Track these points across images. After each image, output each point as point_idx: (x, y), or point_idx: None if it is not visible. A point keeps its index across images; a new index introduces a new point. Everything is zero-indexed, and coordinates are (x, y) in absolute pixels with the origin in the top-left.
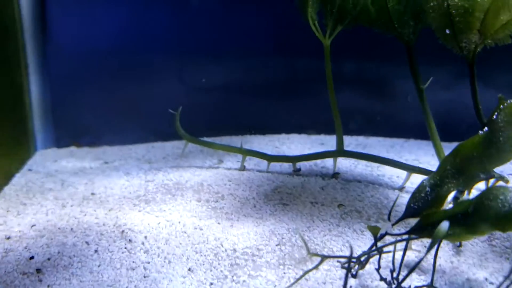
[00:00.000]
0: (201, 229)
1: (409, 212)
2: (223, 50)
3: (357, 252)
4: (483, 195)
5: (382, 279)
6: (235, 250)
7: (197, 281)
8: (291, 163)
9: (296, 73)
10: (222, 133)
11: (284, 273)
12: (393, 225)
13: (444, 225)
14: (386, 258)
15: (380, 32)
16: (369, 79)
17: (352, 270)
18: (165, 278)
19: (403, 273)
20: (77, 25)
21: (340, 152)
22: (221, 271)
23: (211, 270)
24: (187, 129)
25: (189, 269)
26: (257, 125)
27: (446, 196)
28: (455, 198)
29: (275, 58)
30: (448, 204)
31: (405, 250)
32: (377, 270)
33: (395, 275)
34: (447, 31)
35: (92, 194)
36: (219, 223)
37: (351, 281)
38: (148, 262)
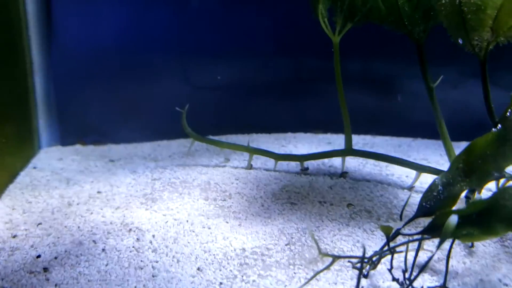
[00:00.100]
0: (209, 228)
1: (421, 211)
2: (228, 49)
3: (367, 252)
4: (498, 194)
5: (394, 279)
6: (244, 250)
7: (207, 280)
8: (298, 162)
9: (302, 72)
10: (227, 132)
11: (295, 273)
12: (405, 224)
13: (453, 219)
14: (397, 258)
15: (390, 30)
16: (376, 78)
17: (364, 270)
18: (174, 278)
19: (416, 273)
20: (83, 23)
21: (349, 151)
22: (231, 270)
23: (220, 270)
24: (193, 128)
25: (198, 269)
26: (263, 124)
27: (459, 195)
28: (466, 198)
29: (282, 57)
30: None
31: (417, 250)
32: (390, 270)
33: (407, 275)
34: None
35: (98, 192)
36: (227, 222)
37: (362, 282)
38: (157, 261)
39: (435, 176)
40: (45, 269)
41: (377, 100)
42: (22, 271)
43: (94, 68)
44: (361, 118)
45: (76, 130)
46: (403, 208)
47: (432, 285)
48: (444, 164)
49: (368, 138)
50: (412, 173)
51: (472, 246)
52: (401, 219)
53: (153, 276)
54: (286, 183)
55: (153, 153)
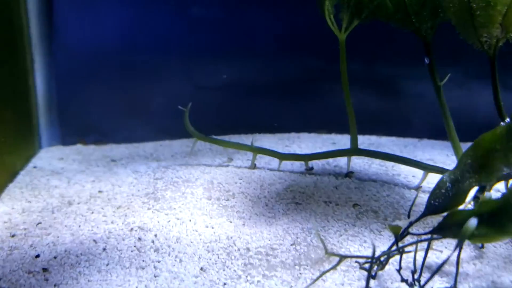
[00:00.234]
0: (212, 228)
1: (430, 209)
2: (231, 49)
3: (375, 253)
4: (510, 193)
5: (403, 280)
6: (248, 249)
7: (210, 281)
8: (303, 162)
9: (306, 72)
10: (230, 132)
11: (300, 273)
12: (413, 223)
13: (472, 222)
14: (405, 259)
15: (397, 27)
16: (381, 78)
17: (371, 271)
18: (176, 278)
19: (425, 274)
20: (85, 21)
21: (355, 150)
22: (235, 270)
23: (224, 270)
24: (195, 128)
25: (201, 269)
26: (266, 124)
27: (468, 192)
28: (475, 198)
29: (285, 57)
30: (467, 205)
31: (427, 250)
32: (398, 271)
33: (416, 276)
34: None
35: (100, 191)
36: (230, 222)
37: (370, 282)
38: (159, 261)
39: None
40: (44, 269)
41: (383, 100)
42: (21, 271)
43: (96, 67)
44: (367, 118)
45: (77, 130)
46: (411, 207)
47: (442, 286)
48: (450, 165)
49: (373, 138)
50: (419, 173)
51: (483, 247)
52: (409, 217)
53: (155, 276)
54: (291, 182)
55: (155, 152)
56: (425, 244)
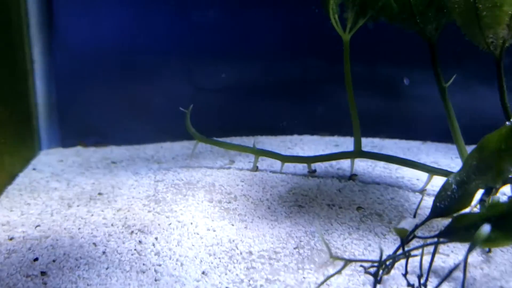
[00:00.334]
0: (214, 231)
1: (436, 211)
2: (233, 51)
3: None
4: None
5: (409, 285)
6: (250, 253)
7: (212, 285)
8: (305, 164)
9: (308, 74)
10: (232, 134)
11: (304, 277)
12: (419, 226)
13: (485, 229)
14: (411, 263)
15: (401, 28)
16: (385, 80)
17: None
18: (177, 282)
19: (431, 279)
20: (85, 22)
21: (358, 152)
22: (237, 274)
23: (226, 274)
24: (197, 130)
25: (203, 272)
26: (268, 126)
27: (474, 194)
28: (482, 201)
29: (288, 59)
30: (473, 208)
31: (433, 254)
32: (404, 275)
33: (422, 281)
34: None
35: (99, 194)
36: (232, 225)
37: (376, 287)
38: (159, 265)
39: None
40: (43, 273)
41: (386, 102)
42: (19, 275)
43: (96, 68)
44: (370, 121)
45: (77, 132)
46: (416, 210)
47: None
48: (455, 168)
49: (376, 141)
50: (423, 176)
51: (490, 251)
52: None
53: (155, 280)
54: (293, 185)
55: (156, 154)
56: (430, 248)
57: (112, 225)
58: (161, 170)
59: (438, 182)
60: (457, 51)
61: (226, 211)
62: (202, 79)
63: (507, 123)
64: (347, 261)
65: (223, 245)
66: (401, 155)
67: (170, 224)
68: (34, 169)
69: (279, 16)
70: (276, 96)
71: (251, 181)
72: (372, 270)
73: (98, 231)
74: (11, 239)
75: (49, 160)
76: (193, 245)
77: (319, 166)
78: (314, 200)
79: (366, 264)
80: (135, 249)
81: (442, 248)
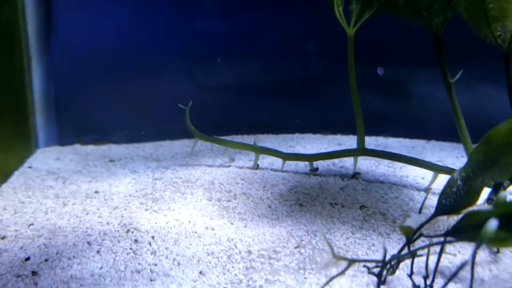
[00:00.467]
0: (212, 229)
1: (441, 209)
2: (234, 49)
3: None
4: None
5: (415, 286)
6: (250, 252)
7: (209, 285)
8: (307, 162)
9: (310, 72)
10: (233, 133)
11: (305, 278)
12: (423, 224)
13: (492, 224)
14: (416, 263)
15: (406, 21)
16: (389, 79)
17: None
18: (173, 282)
19: (437, 280)
20: (84, 18)
21: (362, 150)
22: (235, 274)
23: (224, 274)
24: (197, 129)
25: (200, 272)
26: (270, 124)
27: (480, 190)
28: (489, 200)
29: (290, 57)
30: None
31: (440, 254)
32: (410, 276)
33: (429, 282)
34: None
35: (96, 192)
36: (232, 223)
37: None
38: (155, 264)
39: None
40: (34, 273)
41: (389, 100)
42: (9, 275)
43: (95, 65)
44: (373, 119)
45: (76, 129)
46: (421, 209)
47: None
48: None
49: (380, 139)
50: (428, 174)
51: (498, 251)
52: None
53: (151, 280)
54: (295, 183)
55: (155, 153)
56: (436, 247)
57: (107, 223)
58: (160, 168)
59: (443, 181)
60: (463, 46)
61: (226, 210)
62: (202, 78)
63: None
64: (350, 261)
65: (221, 244)
66: (405, 154)
67: (167, 222)
68: (30, 167)
69: (282, 13)
70: (278, 94)
71: (252, 179)
72: (376, 270)
73: (93, 229)
74: (3, 238)
75: (46, 158)
76: (190, 244)
77: (321, 164)
78: (316, 199)
79: (369, 265)
80: (130, 248)
81: (448, 247)
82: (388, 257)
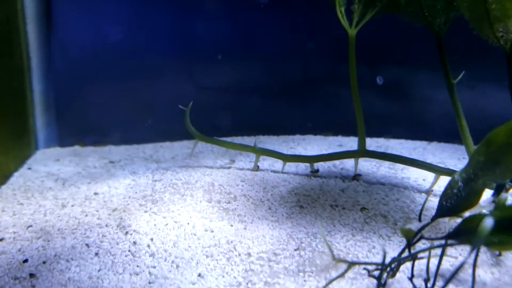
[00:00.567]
0: (212, 231)
1: (442, 211)
2: (235, 50)
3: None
4: None
5: None
6: (249, 255)
7: None
8: (308, 164)
9: (311, 73)
10: (234, 134)
11: (305, 281)
12: (424, 226)
13: (488, 222)
14: (417, 266)
15: (408, 21)
16: (390, 80)
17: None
18: (172, 285)
19: (438, 283)
20: (85, 18)
21: (363, 152)
22: (235, 277)
23: (223, 276)
24: (197, 130)
25: (199, 275)
26: (270, 125)
27: (481, 192)
28: (492, 202)
29: (291, 58)
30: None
31: (441, 257)
32: (410, 279)
33: (429, 284)
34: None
35: (95, 193)
36: (231, 225)
37: None
38: (154, 267)
39: None
40: (32, 275)
41: (391, 102)
42: (6, 277)
43: (96, 66)
44: (375, 121)
45: (75, 131)
46: (421, 211)
47: None
48: None
49: (381, 141)
50: (430, 176)
51: (500, 254)
52: (420, 220)
53: (149, 282)
54: (295, 185)
55: (155, 154)
56: (437, 250)
57: (106, 225)
58: (160, 169)
59: (445, 182)
60: (465, 47)
61: (225, 212)
62: (203, 79)
63: None
64: (350, 264)
65: (221, 246)
66: (407, 156)
67: (166, 224)
68: (29, 168)
69: (283, 14)
70: (278, 95)
71: (252, 181)
72: (376, 273)
73: (91, 231)
74: (1, 239)
75: (46, 160)
76: (189, 246)
77: (322, 166)
78: (317, 201)
79: (370, 267)
80: (129, 251)
81: (450, 250)
82: (388, 260)
